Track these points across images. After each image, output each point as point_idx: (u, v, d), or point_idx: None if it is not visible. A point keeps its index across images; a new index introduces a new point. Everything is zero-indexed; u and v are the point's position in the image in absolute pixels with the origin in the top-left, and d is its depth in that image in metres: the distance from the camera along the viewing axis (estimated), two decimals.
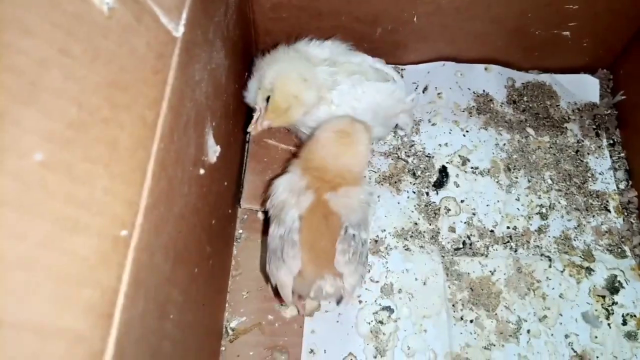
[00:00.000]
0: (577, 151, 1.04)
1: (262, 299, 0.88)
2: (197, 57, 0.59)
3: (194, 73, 0.58)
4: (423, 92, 1.08)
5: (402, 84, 0.93)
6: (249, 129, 0.83)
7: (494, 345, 0.86)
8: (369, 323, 0.86)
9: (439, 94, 1.07)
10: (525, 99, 1.08)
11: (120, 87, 0.43)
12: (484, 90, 1.08)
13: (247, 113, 0.92)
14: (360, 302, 0.88)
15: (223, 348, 0.84)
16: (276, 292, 0.78)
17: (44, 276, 0.35)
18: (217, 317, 0.84)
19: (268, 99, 0.80)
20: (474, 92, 1.08)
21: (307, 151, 0.81)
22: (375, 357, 0.84)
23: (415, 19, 0.99)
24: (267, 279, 0.83)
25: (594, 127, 1.06)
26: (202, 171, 0.65)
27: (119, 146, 0.42)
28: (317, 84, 0.82)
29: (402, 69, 1.10)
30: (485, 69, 1.10)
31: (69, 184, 0.38)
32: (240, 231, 0.94)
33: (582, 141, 1.05)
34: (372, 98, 0.86)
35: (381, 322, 0.86)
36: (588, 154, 1.04)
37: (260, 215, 0.95)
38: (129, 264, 0.41)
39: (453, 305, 0.88)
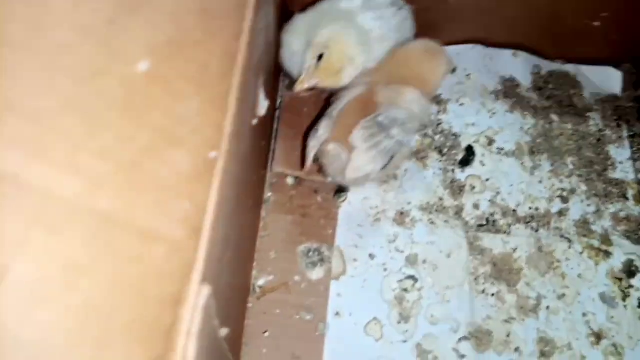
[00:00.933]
0: (598, 140, 1.06)
1: (289, 260, 0.89)
2: (262, 7, 0.60)
3: (259, 21, 0.59)
4: (452, 72, 1.09)
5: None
6: (295, 86, 0.80)
7: (515, 319, 0.88)
8: (394, 290, 0.88)
9: (467, 75, 1.09)
10: (550, 86, 1.10)
11: (210, 14, 0.44)
12: (511, 75, 1.10)
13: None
14: (385, 269, 0.89)
15: (250, 305, 0.84)
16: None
17: (147, 182, 0.36)
18: (247, 271, 0.84)
19: (320, 57, 0.78)
20: (501, 76, 1.09)
21: (385, 64, 0.84)
22: (399, 322, 0.85)
23: None
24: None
25: (616, 118, 1.09)
26: (255, 122, 0.66)
27: (210, 70, 0.43)
28: (371, 50, 0.81)
29: None
30: (513, 54, 1.11)
31: (168, 98, 0.39)
32: (269, 194, 0.94)
33: (604, 130, 1.07)
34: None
35: (405, 290, 0.88)
36: (609, 143, 1.06)
37: (290, 180, 0.95)
38: (217, 184, 0.41)
39: (475, 279, 0.90)
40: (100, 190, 0.33)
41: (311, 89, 0.83)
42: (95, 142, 0.33)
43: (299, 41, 0.82)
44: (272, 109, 0.95)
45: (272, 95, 0.87)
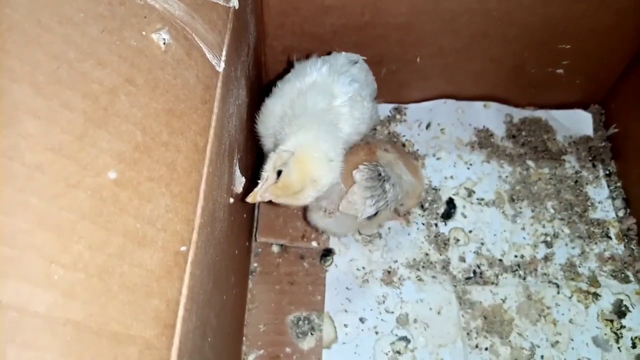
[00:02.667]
0: (576, 181, 1.08)
1: (279, 332, 0.89)
2: (231, 92, 0.63)
3: (229, 106, 0.62)
4: (426, 128, 1.13)
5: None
6: (247, 199, 0.70)
7: None
8: (387, 354, 0.87)
9: (441, 129, 1.12)
10: (523, 133, 1.13)
11: (176, 114, 0.47)
12: (484, 126, 1.13)
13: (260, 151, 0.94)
14: (377, 332, 0.89)
15: None
16: None
17: (118, 286, 0.37)
18: (236, 348, 0.84)
19: (279, 173, 0.68)
20: (475, 128, 1.13)
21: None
22: None
23: (418, 59, 1.04)
24: None
25: (590, 158, 1.12)
26: (231, 200, 0.68)
27: (177, 167, 0.45)
28: (340, 163, 0.71)
29: (405, 107, 1.15)
30: (485, 105, 1.15)
31: (137, 201, 0.40)
32: (255, 264, 0.95)
33: (580, 172, 1.10)
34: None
35: (398, 352, 0.87)
36: (586, 184, 1.08)
37: (275, 248, 0.97)
38: (187, 278, 0.43)
39: (468, 334, 0.90)
40: (73, 300, 0.34)
41: None
42: (68, 254, 0.35)
43: (282, 108, 0.78)
44: (253, 183, 0.97)
45: (252, 169, 0.89)
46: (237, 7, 0.62)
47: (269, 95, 0.82)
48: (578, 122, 1.15)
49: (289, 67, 0.88)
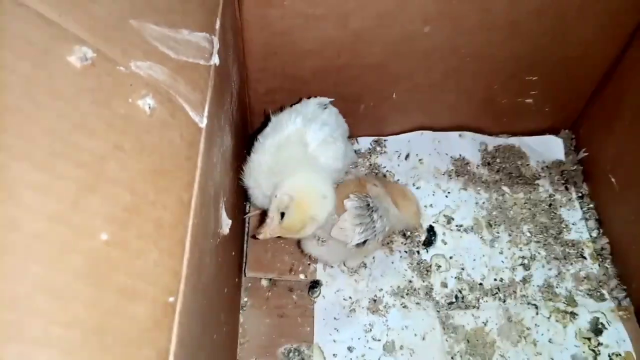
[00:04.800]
0: (550, 205, 1.13)
1: None
2: (215, 143, 0.67)
3: (213, 156, 0.66)
4: (405, 159, 1.17)
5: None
6: (258, 235, 0.81)
7: None
8: None
9: (420, 160, 1.17)
10: (498, 160, 1.19)
11: (162, 173, 0.51)
12: (460, 155, 1.18)
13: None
14: None
15: None
16: None
17: (112, 341, 0.41)
18: None
19: (283, 214, 0.79)
20: (451, 157, 1.18)
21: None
22: None
23: (394, 95, 1.10)
24: None
25: (563, 182, 1.17)
26: (218, 242, 0.72)
27: (164, 224, 0.49)
28: (333, 197, 0.81)
29: (385, 140, 1.20)
30: (460, 135, 1.21)
31: (127, 259, 0.44)
32: (245, 299, 0.99)
33: (554, 195, 1.15)
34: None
35: None
36: (560, 206, 1.13)
37: (264, 283, 1.00)
38: (176, 326, 0.46)
39: (452, 358, 0.94)
40: (72, 357, 0.38)
41: None
42: (65, 314, 0.38)
43: (264, 164, 0.85)
44: (241, 219, 1.01)
45: (239, 206, 0.94)
46: (217, 64, 0.67)
47: (252, 150, 0.89)
48: (550, 147, 1.21)
49: (266, 120, 0.93)
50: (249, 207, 1.05)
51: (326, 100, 0.95)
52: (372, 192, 0.88)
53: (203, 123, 0.60)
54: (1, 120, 0.41)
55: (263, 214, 0.88)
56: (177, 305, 0.47)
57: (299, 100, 0.97)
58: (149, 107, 0.52)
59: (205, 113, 0.61)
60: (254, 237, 0.91)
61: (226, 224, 0.76)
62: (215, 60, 0.67)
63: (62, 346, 0.38)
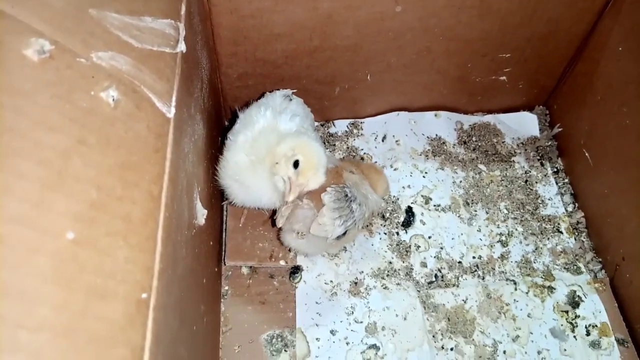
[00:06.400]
0: (526, 181, 1.14)
1: (254, 352, 0.92)
2: (185, 132, 0.66)
3: (183, 146, 0.65)
4: (382, 140, 1.17)
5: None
6: (286, 199, 0.78)
7: None
8: None
9: (397, 141, 1.17)
10: (474, 139, 1.19)
11: (129, 167, 0.50)
12: (436, 135, 1.18)
13: None
14: (347, 343, 0.93)
15: None
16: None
17: (84, 342, 0.40)
18: None
19: (295, 164, 0.77)
20: (427, 137, 1.18)
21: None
22: None
23: (368, 77, 1.09)
24: None
25: (538, 158, 1.18)
26: (193, 232, 0.71)
27: (133, 219, 0.48)
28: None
29: (361, 122, 1.19)
30: (435, 115, 1.21)
31: (96, 257, 0.43)
32: (226, 287, 0.98)
33: (529, 172, 1.16)
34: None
35: None
36: (536, 182, 1.14)
37: (244, 270, 1.00)
38: (150, 323, 0.45)
39: (433, 336, 0.95)
40: None
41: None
42: (33, 317, 0.37)
43: (241, 161, 0.84)
44: (218, 207, 1.00)
45: (215, 195, 0.92)
46: (184, 51, 0.65)
47: (225, 148, 0.88)
48: (525, 124, 1.22)
49: (234, 117, 0.93)
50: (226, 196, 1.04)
51: (289, 91, 0.95)
52: (349, 180, 0.88)
53: (171, 113, 0.59)
54: None
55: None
56: (151, 301, 0.47)
57: (262, 95, 0.97)
58: (113, 99, 0.51)
59: (173, 102, 0.59)
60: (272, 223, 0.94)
61: (201, 214, 0.75)
62: (182, 47, 0.65)
63: (30, 350, 0.37)
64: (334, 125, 1.20)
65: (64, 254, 0.41)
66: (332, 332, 0.94)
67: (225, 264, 0.98)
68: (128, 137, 0.51)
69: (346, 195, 0.85)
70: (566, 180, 1.15)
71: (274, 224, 0.89)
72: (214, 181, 0.90)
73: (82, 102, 0.48)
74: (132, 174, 0.50)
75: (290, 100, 0.94)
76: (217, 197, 0.97)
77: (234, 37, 0.97)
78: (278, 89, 0.98)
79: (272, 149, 0.81)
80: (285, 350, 0.92)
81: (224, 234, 1.01)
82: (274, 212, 0.89)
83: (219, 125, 1.04)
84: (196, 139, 0.76)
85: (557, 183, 1.15)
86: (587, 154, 1.08)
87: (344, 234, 0.86)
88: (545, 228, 1.08)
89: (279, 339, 0.93)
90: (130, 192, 0.49)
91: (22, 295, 0.38)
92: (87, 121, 0.48)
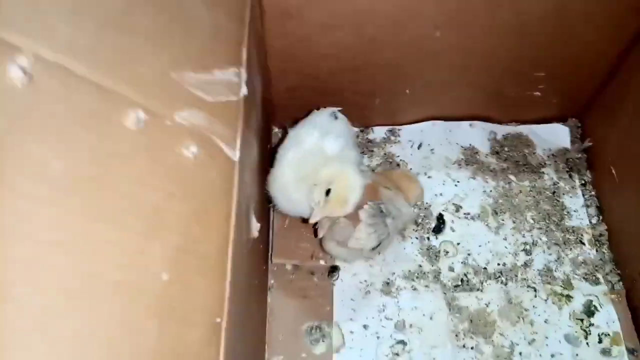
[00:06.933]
0: (553, 192, 1.21)
1: (295, 340, 1.04)
2: (246, 164, 0.77)
3: (245, 178, 0.75)
4: (418, 148, 1.25)
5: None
6: (310, 221, 0.91)
7: None
8: (387, 355, 1.03)
9: (431, 149, 1.25)
10: (506, 149, 1.26)
11: (205, 212, 0.61)
12: (470, 144, 1.26)
13: None
14: (378, 337, 1.05)
15: None
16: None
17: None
18: (261, 355, 1.00)
19: (327, 192, 0.88)
20: (461, 146, 1.25)
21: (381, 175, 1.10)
22: None
23: (407, 91, 1.16)
24: None
25: (567, 169, 1.24)
26: (250, 247, 0.82)
27: (210, 256, 0.59)
28: (364, 175, 0.93)
29: (399, 129, 1.27)
30: (470, 125, 1.27)
31: (184, 292, 0.55)
32: (272, 281, 1.11)
33: (558, 183, 1.22)
34: None
35: (397, 354, 1.03)
36: (563, 194, 1.21)
37: (288, 267, 1.11)
38: (223, 344, 0.57)
39: (456, 335, 1.05)
40: None
41: None
42: (141, 345, 0.50)
43: (288, 176, 0.95)
44: (266, 212, 1.11)
45: (263, 203, 1.03)
46: (246, 94, 0.75)
47: (275, 162, 0.98)
48: (556, 135, 1.27)
49: (284, 133, 1.04)
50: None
51: (335, 109, 1.05)
52: (384, 196, 0.97)
53: (236, 156, 0.69)
54: (74, 186, 0.50)
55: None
56: (223, 324, 0.58)
57: (309, 112, 1.06)
58: (193, 154, 0.62)
59: (238, 146, 0.70)
60: (303, 221, 1.04)
61: (255, 228, 0.86)
62: (244, 91, 0.75)
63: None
64: (373, 132, 1.28)
65: (160, 292, 0.53)
66: (365, 327, 1.06)
67: (272, 262, 1.11)
68: (204, 185, 0.62)
69: (381, 211, 0.95)
70: (593, 193, 1.21)
71: (316, 233, 1.00)
72: (264, 193, 1.01)
73: (169, 160, 0.59)
74: (207, 217, 0.61)
75: (336, 118, 1.03)
76: (264, 205, 1.08)
77: (284, 57, 1.06)
78: (324, 107, 1.07)
79: (316, 169, 0.92)
80: (323, 341, 1.04)
81: (270, 232, 1.13)
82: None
83: (267, 136, 1.15)
84: (251, 162, 0.86)
85: (583, 195, 1.21)
86: (613, 171, 1.14)
87: (379, 244, 0.96)
88: (568, 239, 1.16)
89: (318, 330, 1.05)
90: (207, 234, 0.60)
91: (130, 326, 0.50)
92: (173, 176, 0.59)
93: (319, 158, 0.93)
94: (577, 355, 1.03)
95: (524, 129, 1.28)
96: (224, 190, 0.65)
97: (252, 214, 0.85)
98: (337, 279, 1.10)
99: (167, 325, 0.52)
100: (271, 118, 1.21)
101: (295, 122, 1.05)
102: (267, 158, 1.08)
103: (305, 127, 0.99)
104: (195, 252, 0.58)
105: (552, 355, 1.04)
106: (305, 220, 0.95)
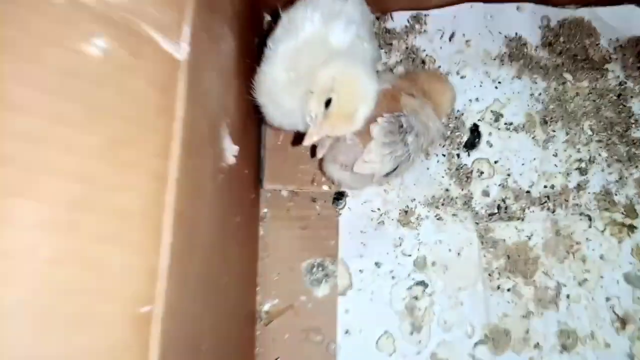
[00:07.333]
0: (619, 95, 0.96)
1: (293, 280, 0.86)
2: (205, 65, 0.53)
3: (204, 84, 0.52)
4: (449, 39, 0.98)
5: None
6: (304, 141, 0.67)
7: (533, 313, 0.84)
8: (404, 299, 0.85)
9: (467, 41, 0.98)
10: (561, 39, 0.98)
11: (123, 142, 0.39)
12: (516, 34, 0.98)
13: None
14: (393, 277, 0.86)
15: (258, 332, 0.84)
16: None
17: None
18: (250, 302, 0.83)
19: (328, 103, 0.64)
20: (505, 36, 0.98)
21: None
22: (411, 333, 0.83)
23: None
24: None
25: (639, 65, 0.97)
26: (221, 177, 0.61)
27: (132, 211, 0.38)
28: (376, 77, 0.69)
29: (425, 15, 1.00)
30: (518, 8, 0.99)
31: (80, 275, 0.35)
32: (265, 210, 0.91)
33: (625, 83, 0.96)
34: None
35: (416, 298, 0.85)
36: (631, 97, 0.95)
37: (285, 193, 0.91)
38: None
39: (489, 275, 0.86)
40: None
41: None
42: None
43: (279, 77, 0.69)
44: (254, 125, 0.88)
45: (250, 114, 0.80)
46: None
47: (262, 59, 0.71)
48: (628, 21, 0.99)
49: (275, 16, 0.75)
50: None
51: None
52: (407, 106, 0.74)
53: (182, 53, 0.46)
54: None
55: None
56: (153, 316, 0.39)
57: None
58: (101, 51, 0.38)
59: (185, 38, 0.46)
60: (294, 144, 0.85)
61: (231, 152, 0.65)
62: None
63: None
64: (392, 19, 1.01)
65: (39, 279, 0.32)
66: (377, 265, 0.87)
67: (262, 187, 0.90)
68: (121, 100, 0.39)
69: (401, 127, 0.72)
70: None
71: (313, 153, 0.78)
72: (248, 100, 0.78)
73: (58, 61, 0.36)
74: (127, 151, 0.39)
75: None
76: (252, 113, 0.85)
77: None
78: None
79: (316, 67, 0.67)
80: (326, 281, 0.87)
81: (262, 151, 0.91)
82: None
83: (256, 25, 0.89)
84: (222, 61, 0.63)
85: None
86: None
87: (395, 169, 0.74)
88: (634, 154, 0.92)
89: (320, 269, 0.87)
90: (125, 178, 0.38)
91: None
92: (66, 89, 0.36)
93: (321, 52, 0.67)
94: (638, 298, 0.84)
95: (586, 12, 1.00)
96: (159, 106, 0.42)
97: (224, 134, 0.63)
98: (343, 207, 0.90)
99: (48, 330, 0.32)
100: (259, 1, 0.94)
101: (290, 1, 0.78)
102: (253, 56, 0.83)
103: (303, 8, 0.72)
104: (102, 209, 0.36)
105: (608, 299, 0.85)
106: (297, 139, 0.71)
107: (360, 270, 0.87)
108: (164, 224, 0.41)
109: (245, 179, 0.78)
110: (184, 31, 0.46)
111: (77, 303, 0.34)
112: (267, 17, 0.99)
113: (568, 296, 0.85)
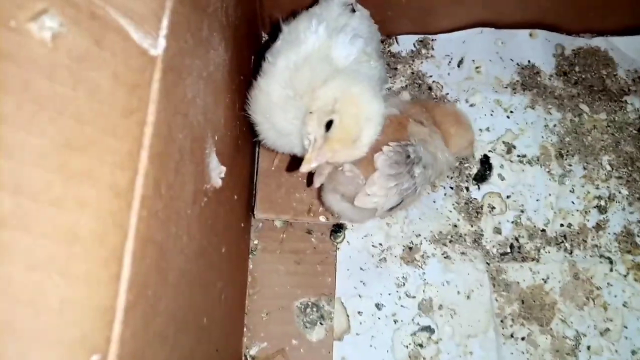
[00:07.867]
0: (639, 129, 0.89)
1: (284, 321, 0.78)
2: (188, 69, 0.46)
3: (185, 92, 0.45)
4: (458, 65, 0.93)
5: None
6: (301, 169, 0.60)
7: None
8: (407, 346, 0.76)
9: (477, 67, 0.92)
10: (577, 69, 0.93)
11: (77, 148, 0.31)
12: (529, 61, 0.93)
13: None
14: (395, 321, 0.77)
15: None
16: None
17: None
18: (235, 345, 0.74)
19: (329, 125, 0.58)
20: (517, 64, 0.93)
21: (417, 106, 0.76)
22: None
23: None
24: None
25: None
26: (205, 200, 0.53)
27: (82, 235, 0.30)
28: (382, 96, 0.62)
29: (432, 39, 0.94)
30: (530, 34, 0.95)
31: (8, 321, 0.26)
32: (256, 242, 0.83)
33: None
34: None
35: (420, 345, 0.76)
36: None
37: (278, 223, 0.83)
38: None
39: (502, 321, 0.78)
40: None
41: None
42: None
43: (275, 93, 0.63)
44: (248, 147, 0.81)
45: (243, 135, 0.73)
46: None
47: (260, 73, 0.65)
48: None
49: (275, 30, 0.69)
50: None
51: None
52: (415, 135, 0.67)
53: (158, 47, 0.38)
54: None
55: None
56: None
57: (315, 1, 0.73)
58: (52, 33, 0.31)
59: (163, 29, 0.39)
60: (288, 170, 0.78)
61: (217, 174, 0.57)
62: None
63: None
64: (397, 43, 0.96)
65: None
66: (378, 306, 0.79)
67: (254, 217, 0.82)
68: (75, 97, 0.32)
69: (408, 157, 0.64)
70: None
71: (310, 181, 0.70)
72: (243, 114, 0.70)
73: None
74: (83, 159, 0.31)
75: (353, 11, 0.70)
76: (246, 134, 0.78)
77: None
78: None
79: (317, 84, 0.60)
80: (321, 323, 0.78)
81: (255, 176, 0.84)
82: None
83: (252, 41, 0.83)
84: (211, 71, 0.56)
85: None
86: None
87: (400, 202, 0.67)
88: None
89: (314, 309, 0.79)
90: (74, 191, 0.30)
91: None
92: (3, 79, 0.29)
93: (323, 68, 0.61)
94: None
95: (601, 42, 0.95)
96: (126, 108, 0.35)
97: (210, 152, 0.55)
98: (342, 240, 0.82)
99: None
100: (257, 17, 0.88)
101: (292, 14, 0.71)
102: (248, 71, 0.77)
103: (307, 20, 0.66)
104: (45, 228, 0.29)
105: (634, 353, 0.76)
106: (293, 165, 0.64)
107: (359, 312, 0.78)
108: (125, 251, 0.33)
109: (234, 206, 0.70)
110: (163, 24, 0.39)
111: (4, 348, 0.26)
112: (265, 37, 0.93)
113: (589, 347, 0.77)
